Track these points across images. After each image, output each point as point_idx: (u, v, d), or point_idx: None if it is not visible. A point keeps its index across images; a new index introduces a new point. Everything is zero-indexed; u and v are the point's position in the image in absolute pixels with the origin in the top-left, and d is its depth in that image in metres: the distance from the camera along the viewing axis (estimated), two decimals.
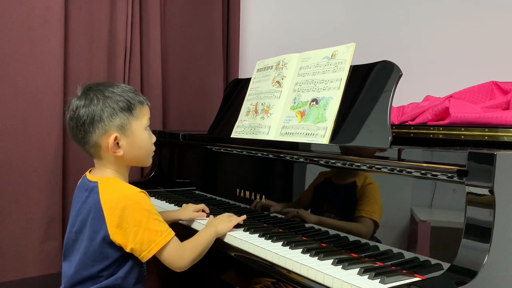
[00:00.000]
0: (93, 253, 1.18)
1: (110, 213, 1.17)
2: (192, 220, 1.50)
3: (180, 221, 1.51)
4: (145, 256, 1.17)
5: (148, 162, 1.33)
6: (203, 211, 1.54)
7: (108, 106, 1.21)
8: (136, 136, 1.25)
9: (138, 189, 1.21)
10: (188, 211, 1.51)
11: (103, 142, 1.22)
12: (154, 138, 1.32)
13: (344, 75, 1.36)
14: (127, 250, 1.17)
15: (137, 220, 1.16)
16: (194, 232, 1.33)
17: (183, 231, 1.45)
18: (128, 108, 1.23)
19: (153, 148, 1.32)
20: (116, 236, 1.16)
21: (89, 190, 1.22)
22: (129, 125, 1.23)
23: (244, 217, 1.41)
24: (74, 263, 1.21)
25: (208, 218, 1.43)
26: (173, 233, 1.21)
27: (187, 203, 1.60)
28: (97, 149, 1.23)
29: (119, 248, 1.18)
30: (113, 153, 1.23)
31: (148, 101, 1.30)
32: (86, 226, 1.20)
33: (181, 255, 1.21)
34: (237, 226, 1.38)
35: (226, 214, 1.42)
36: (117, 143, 1.22)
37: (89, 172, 1.29)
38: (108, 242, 1.17)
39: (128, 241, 1.16)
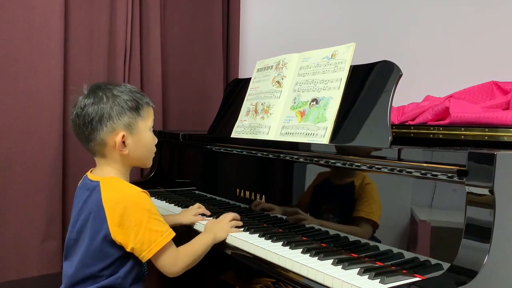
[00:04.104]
0: (94, 252, 1.19)
1: (111, 212, 1.17)
2: (193, 223, 1.50)
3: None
4: (145, 256, 1.18)
5: (149, 163, 1.35)
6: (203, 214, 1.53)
7: (117, 104, 1.22)
8: (142, 136, 1.27)
9: (140, 189, 1.22)
10: (189, 215, 1.51)
11: (109, 140, 1.23)
12: (156, 140, 1.34)
13: (344, 75, 1.36)
14: (128, 249, 1.18)
15: (138, 220, 1.17)
16: (195, 232, 1.33)
17: (184, 231, 1.46)
18: (136, 108, 1.25)
19: (155, 149, 1.34)
20: (117, 235, 1.17)
21: (91, 189, 1.23)
22: (136, 125, 1.25)
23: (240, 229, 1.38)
24: (75, 262, 1.21)
25: (208, 219, 1.43)
26: (174, 234, 1.22)
27: (187, 203, 1.59)
28: (102, 147, 1.24)
29: (120, 247, 1.19)
30: (119, 152, 1.24)
31: (152, 103, 1.33)
32: (87, 225, 1.20)
33: (174, 262, 1.22)
34: (237, 226, 1.38)
35: (228, 217, 1.39)
36: (123, 142, 1.23)
37: (90, 172, 1.30)
38: (109, 241, 1.18)
39: (129, 240, 1.17)
